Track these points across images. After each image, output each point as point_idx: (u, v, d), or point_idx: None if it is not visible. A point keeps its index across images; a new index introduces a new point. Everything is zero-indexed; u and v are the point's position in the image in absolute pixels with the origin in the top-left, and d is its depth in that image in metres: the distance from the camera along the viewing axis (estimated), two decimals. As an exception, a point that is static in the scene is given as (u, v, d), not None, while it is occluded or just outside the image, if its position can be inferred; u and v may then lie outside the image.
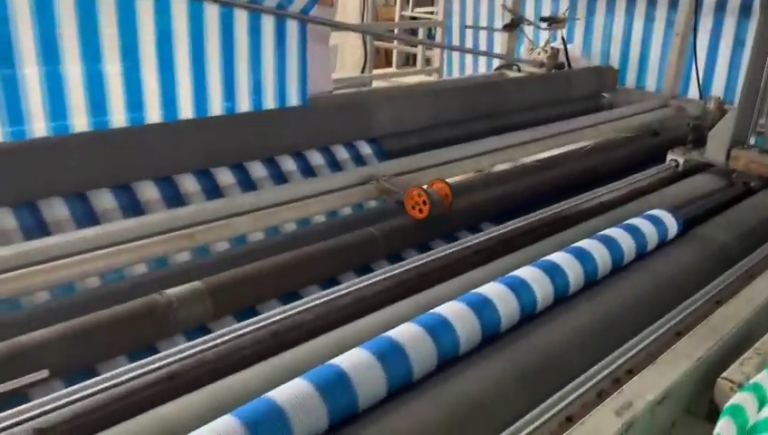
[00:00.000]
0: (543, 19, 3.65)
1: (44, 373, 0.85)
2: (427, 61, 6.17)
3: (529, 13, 4.13)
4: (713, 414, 1.19)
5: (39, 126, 1.91)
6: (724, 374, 1.13)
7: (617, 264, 1.48)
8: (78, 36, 1.92)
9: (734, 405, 0.87)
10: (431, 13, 6.63)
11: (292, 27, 2.49)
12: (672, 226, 1.65)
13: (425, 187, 1.86)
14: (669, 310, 1.35)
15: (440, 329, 1.10)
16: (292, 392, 0.92)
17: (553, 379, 1.11)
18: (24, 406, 0.94)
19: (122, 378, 1.02)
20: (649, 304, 1.39)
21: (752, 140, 2.18)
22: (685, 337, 1.25)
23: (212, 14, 2.26)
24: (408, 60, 7.95)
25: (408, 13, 6.92)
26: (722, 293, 1.46)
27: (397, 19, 6.50)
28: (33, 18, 1.85)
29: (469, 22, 4.61)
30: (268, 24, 2.42)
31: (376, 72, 5.31)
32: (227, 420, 0.86)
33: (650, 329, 1.28)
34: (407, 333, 1.08)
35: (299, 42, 2.50)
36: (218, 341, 1.18)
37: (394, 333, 1.07)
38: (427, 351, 1.07)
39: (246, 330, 1.23)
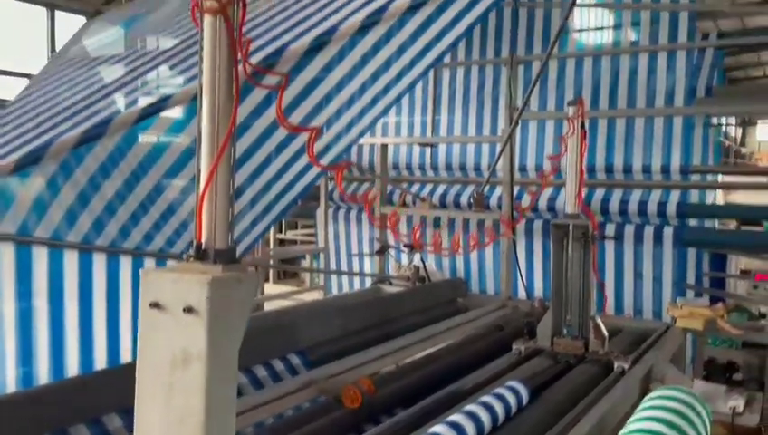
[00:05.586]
0: (406, 245, 4.73)
1: None
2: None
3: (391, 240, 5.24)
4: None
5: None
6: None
7: (495, 421, 2.26)
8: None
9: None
10: (307, 235, 7.69)
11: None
12: (524, 393, 2.49)
13: (354, 384, 2.57)
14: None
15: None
16: None
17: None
18: None
19: None
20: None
21: (565, 331, 3.17)
22: (545, 460, 2.02)
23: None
24: (279, 275, 8.86)
25: (281, 236, 7.94)
26: (562, 431, 2.27)
27: (272, 242, 7.46)
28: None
29: (343, 249, 5.67)
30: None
31: (270, 290, 6.08)
32: None
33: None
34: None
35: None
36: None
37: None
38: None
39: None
